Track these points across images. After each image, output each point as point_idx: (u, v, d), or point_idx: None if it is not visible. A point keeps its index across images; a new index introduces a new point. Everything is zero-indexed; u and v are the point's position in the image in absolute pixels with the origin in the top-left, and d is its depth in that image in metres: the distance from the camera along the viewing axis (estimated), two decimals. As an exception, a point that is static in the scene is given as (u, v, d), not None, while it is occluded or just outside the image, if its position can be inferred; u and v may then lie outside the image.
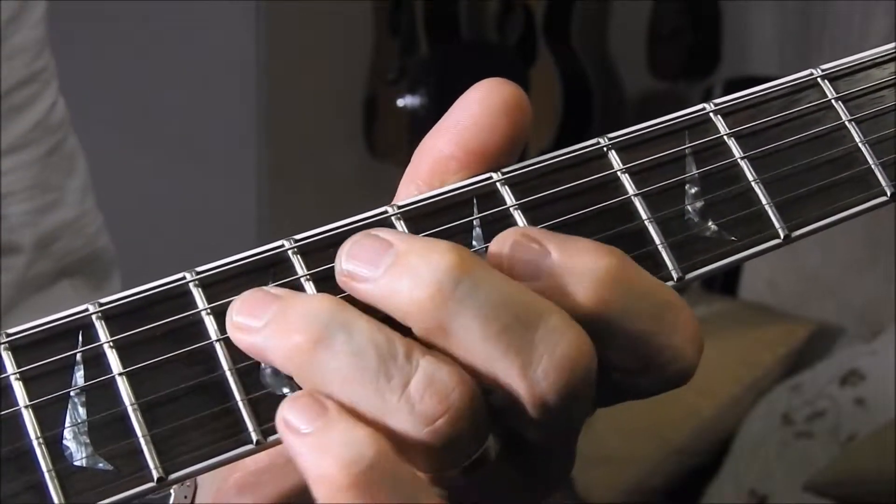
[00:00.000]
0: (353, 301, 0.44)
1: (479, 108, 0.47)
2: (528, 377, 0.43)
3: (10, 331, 0.44)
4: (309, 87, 2.93)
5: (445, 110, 0.48)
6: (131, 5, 2.71)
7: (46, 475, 0.42)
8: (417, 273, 0.43)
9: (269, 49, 2.88)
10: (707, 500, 2.37)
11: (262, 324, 0.44)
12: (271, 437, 0.44)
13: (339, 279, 0.45)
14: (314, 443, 0.42)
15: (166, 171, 2.83)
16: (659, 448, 2.39)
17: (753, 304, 2.72)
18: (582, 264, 0.44)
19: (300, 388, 0.44)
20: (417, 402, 0.42)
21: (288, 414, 0.43)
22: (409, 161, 0.48)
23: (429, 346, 0.43)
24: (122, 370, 0.43)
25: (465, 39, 3.04)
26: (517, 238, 0.45)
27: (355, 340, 0.43)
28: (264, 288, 0.45)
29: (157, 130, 2.84)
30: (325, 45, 2.93)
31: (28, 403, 0.43)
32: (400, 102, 2.94)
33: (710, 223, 0.48)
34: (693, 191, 0.48)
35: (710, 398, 2.42)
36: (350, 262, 0.45)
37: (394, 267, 0.44)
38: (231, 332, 0.44)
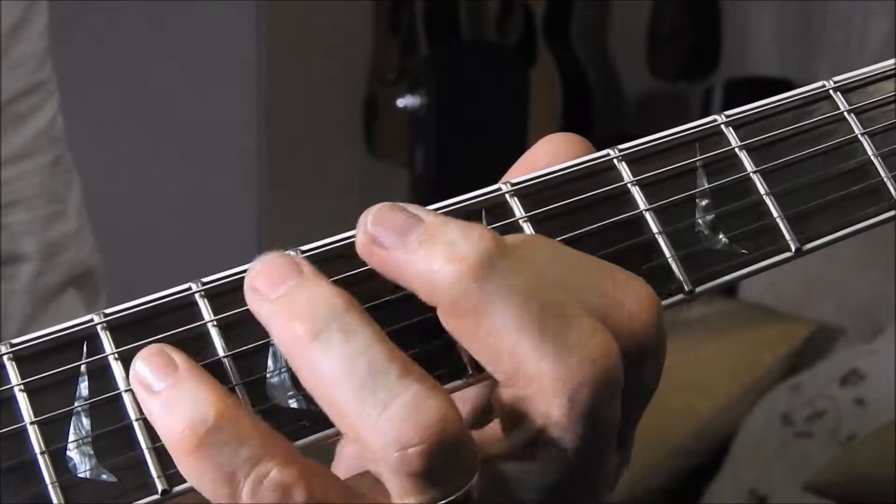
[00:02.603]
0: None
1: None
2: (562, 365, 0.41)
3: (15, 341, 0.43)
4: (309, 87, 2.92)
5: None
6: (130, 5, 2.71)
7: (50, 487, 0.42)
8: (456, 246, 0.42)
9: (269, 49, 2.88)
10: (707, 500, 2.36)
11: (275, 295, 0.42)
12: None
13: (360, 245, 0.43)
14: (164, 400, 0.41)
15: (166, 171, 2.82)
16: (659, 448, 2.38)
17: (753, 304, 2.71)
18: None
19: (308, 400, 0.43)
20: (396, 424, 0.40)
21: (141, 370, 0.42)
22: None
23: (450, 324, 0.42)
24: (127, 385, 0.43)
25: (465, 39, 3.03)
26: None
27: (351, 346, 0.41)
28: (293, 256, 0.43)
29: (157, 130, 2.84)
30: (325, 45, 2.93)
31: (33, 420, 0.42)
32: (400, 102, 2.92)
33: (720, 236, 0.47)
34: (704, 203, 0.47)
35: (709, 398, 2.42)
36: (377, 227, 0.43)
37: (429, 237, 0.42)
38: (246, 292, 0.43)
